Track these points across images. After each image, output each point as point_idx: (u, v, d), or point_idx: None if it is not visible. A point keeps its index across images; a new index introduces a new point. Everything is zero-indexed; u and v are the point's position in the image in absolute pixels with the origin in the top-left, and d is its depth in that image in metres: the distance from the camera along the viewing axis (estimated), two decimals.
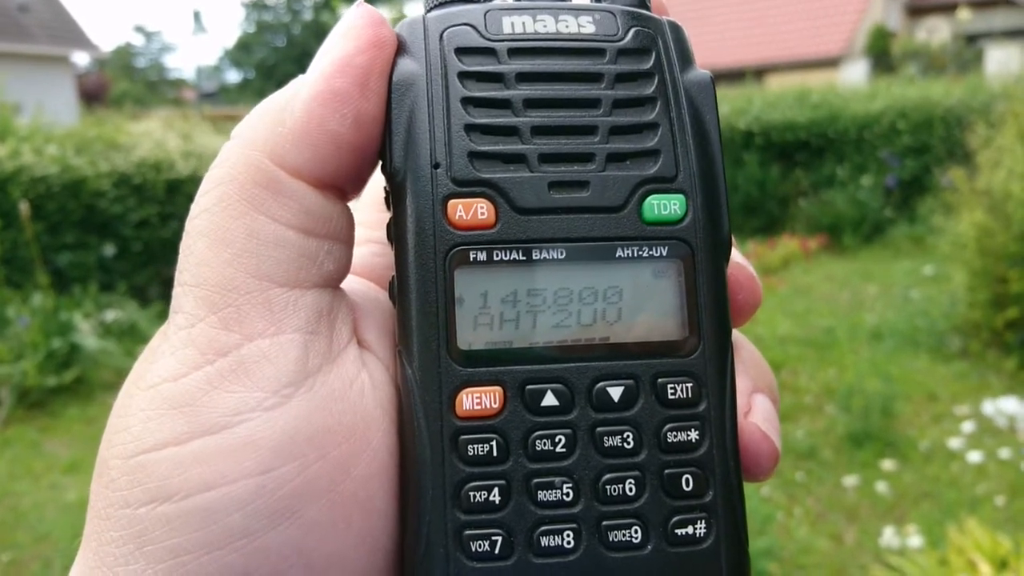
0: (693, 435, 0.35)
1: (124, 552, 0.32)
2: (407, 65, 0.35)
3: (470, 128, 0.34)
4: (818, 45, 15.95)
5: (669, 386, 0.35)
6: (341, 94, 0.33)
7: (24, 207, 5.03)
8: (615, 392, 0.34)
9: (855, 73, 15.19)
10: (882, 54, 15.93)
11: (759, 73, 14.71)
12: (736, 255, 0.40)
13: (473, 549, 0.33)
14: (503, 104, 0.35)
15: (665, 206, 0.35)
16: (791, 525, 2.95)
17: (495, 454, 0.33)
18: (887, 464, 3.35)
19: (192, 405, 0.32)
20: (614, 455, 0.34)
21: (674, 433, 0.35)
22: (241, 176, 0.33)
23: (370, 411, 0.34)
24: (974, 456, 3.34)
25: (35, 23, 16.19)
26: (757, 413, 0.39)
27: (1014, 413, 3.63)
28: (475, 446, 0.33)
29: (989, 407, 3.71)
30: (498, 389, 0.34)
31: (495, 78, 0.35)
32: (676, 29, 0.37)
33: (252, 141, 0.34)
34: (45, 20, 16.58)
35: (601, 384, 0.34)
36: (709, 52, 16.07)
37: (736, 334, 0.40)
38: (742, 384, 0.38)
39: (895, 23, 18.11)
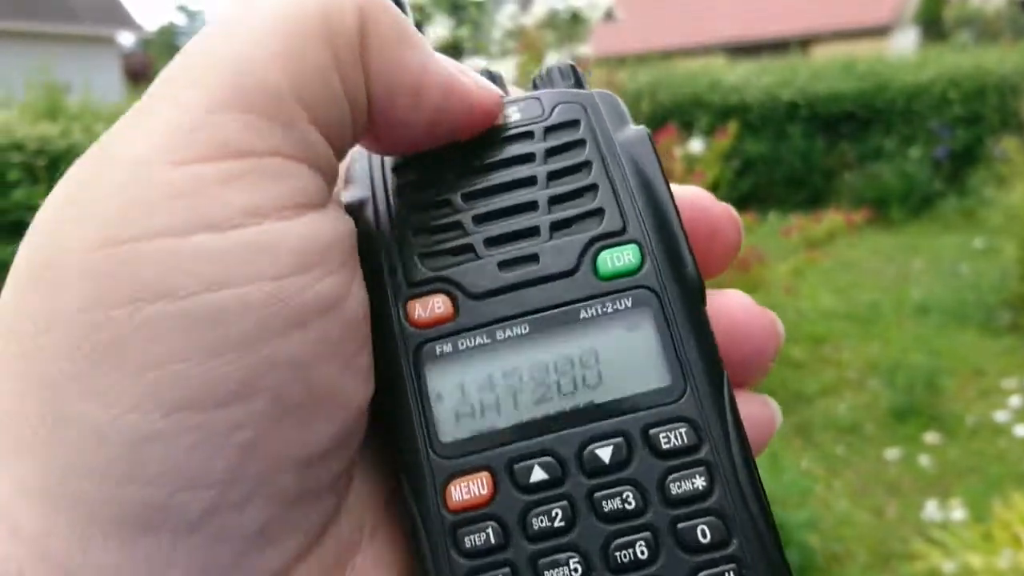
0: (700, 482, 0.33)
1: (75, 366, 0.27)
2: (354, 192, 0.37)
3: (416, 232, 0.35)
4: (866, 13, 15.47)
5: (662, 435, 0.33)
6: None
7: None
8: (604, 453, 0.33)
9: (905, 42, 14.71)
10: (933, 21, 15.38)
11: (804, 44, 14.33)
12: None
13: None
14: (443, 204, 0.36)
15: (619, 258, 0.35)
16: (830, 498, 2.93)
17: (493, 541, 0.32)
18: (930, 437, 3.30)
19: (198, 195, 0.28)
20: (618, 519, 0.33)
21: (678, 484, 0.33)
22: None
23: None
24: (1021, 431, 3.26)
25: (81, 5, 16.51)
26: (727, 298, 0.36)
27: None
28: (472, 537, 0.33)
29: None
30: (485, 474, 0.33)
31: (431, 183, 0.36)
32: (606, 96, 0.38)
33: None
34: (91, 2, 16.89)
35: (590, 448, 0.33)
36: (752, 23, 15.72)
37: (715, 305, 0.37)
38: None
39: None
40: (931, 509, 2.76)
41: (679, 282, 0.35)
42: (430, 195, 0.37)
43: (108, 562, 0.27)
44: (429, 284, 0.35)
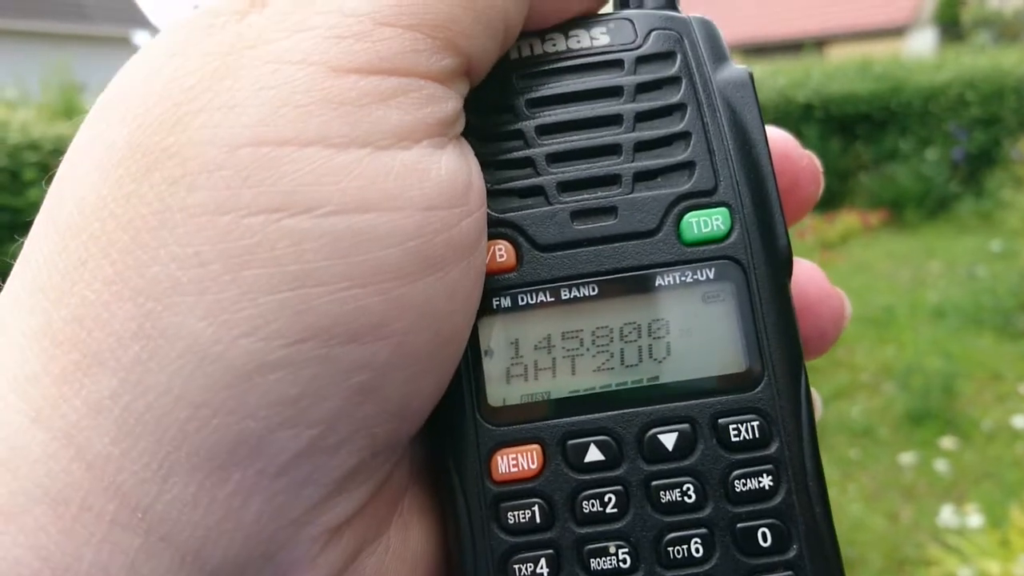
0: (766, 481, 0.31)
1: (190, 275, 0.23)
2: None
3: (481, 166, 0.31)
4: (883, 14, 15.35)
5: (732, 427, 0.31)
6: None
7: None
8: (668, 439, 0.31)
9: (922, 43, 14.60)
10: (951, 22, 15.25)
11: (820, 44, 14.26)
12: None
13: None
14: (514, 136, 0.32)
15: (706, 223, 0.32)
16: (843, 502, 2.91)
17: (539, 520, 0.31)
18: (946, 442, 3.27)
19: (357, 106, 0.25)
20: (674, 512, 0.31)
21: (743, 481, 0.31)
22: None
23: None
24: None
25: (96, 5, 16.65)
26: (801, 271, 0.34)
27: None
28: (516, 513, 0.31)
29: None
30: (536, 447, 0.31)
31: (504, 109, 0.33)
32: (705, 25, 0.34)
33: None
34: (106, 2, 17.03)
35: (652, 432, 0.31)
36: (767, 23, 15.64)
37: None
38: None
39: None
40: (947, 514, 2.73)
41: (768, 255, 0.32)
42: (500, 122, 0.33)
43: (184, 497, 0.24)
44: (492, 228, 0.31)
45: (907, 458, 3.20)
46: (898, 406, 3.54)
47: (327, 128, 0.25)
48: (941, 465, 3.12)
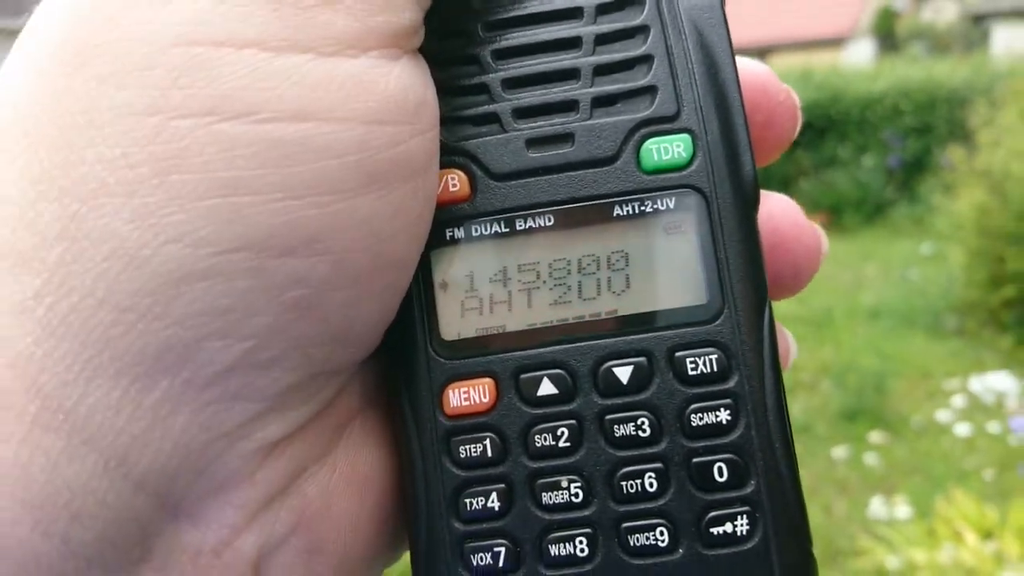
0: (724, 416, 0.30)
1: (117, 176, 0.23)
2: None
3: (436, 92, 0.30)
4: (824, 25, 15.80)
5: (689, 360, 0.30)
6: None
7: None
8: (623, 372, 0.30)
9: (861, 53, 15.06)
10: (888, 34, 15.78)
11: (763, 53, 14.58)
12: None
13: (475, 562, 0.30)
14: (469, 60, 0.31)
15: (667, 149, 0.30)
16: None
17: (490, 454, 0.30)
18: (876, 437, 3.39)
19: (300, 8, 0.24)
20: (628, 446, 0.30)
21: (699, 415, 0.30)
22: None
23: None
24: (962, 430, 3.37)
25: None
26: (773, 204, 0.33)
27: (1003, 389, 3.66)
28: (468, 447, 0.30)
29: (976, 383, 3.74)
30: (488, 381, 0.30)
31: (459, 33, 0.31)
32: None
33: None
34: None
35: (607, 365, 0.30)
36: None
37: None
38: None
39: (902, 3, 17.92)
40: (876, 506, 2.83)
41: (733, 185, 0.30)
42: (455, 46, 0.31)
43: (109, 401, 0.24)
44: (445, 156, 0.30)
45: (839, 452, 3.30)
46: (834, 404, 3.65)
47: (266, 30, 0.24)
48: (872, 459, 3.23)
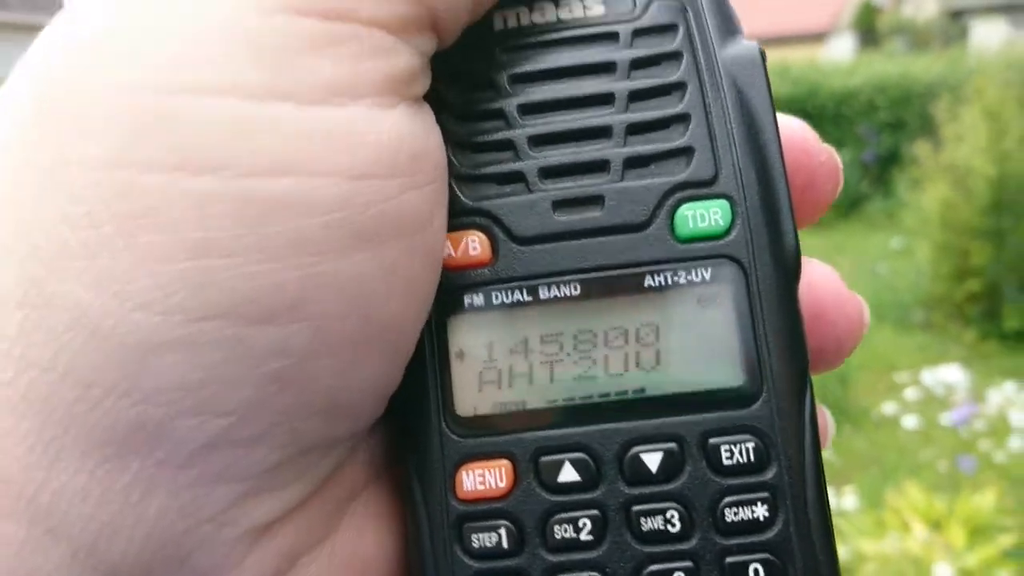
0: (761, 511, 0.28)
1: (79, 237, 0.21)
2: None
3: (456, 144, 0.29)
4: (805, 20, 15.88)
5: (724, 447, 0.28)
6: None
7: None
8: (652, 459, 0.28)
9: (842, 48, 15.15)
10: (869, 29, 15.88)
11: None
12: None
13: None
14: (494, 115, 0.29)
15: (703, 216, 0.28)
16: None
17: (505, 545, 0.28)
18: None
19: (283, 54, 0.22)
20: (656, 541, 0.28)
21: (734, 509, 0.28)
22: None
23: None
24: (910, 422, 3.44)
25: None
26: (814, 274, 0.31)
27: (952, 381, 3.72)
28: (482, 536, 0.28)
29: (928, 376, 3.80)
30: (505, 463, 0.28)
31: (484, 85, 0.29)
32: None
33: None
34: None
35: (634, 450, 0.28)
36: None
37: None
38: None
39: None
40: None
41: (774, 255, 0.28)
42: (480, 99, 0.29)
43: (75, 485, 0.22)
44: (465, 216, 0.29)
45: None
46: None
47: (245, 76, 0.22)
48: (828, 452, 3.27)
